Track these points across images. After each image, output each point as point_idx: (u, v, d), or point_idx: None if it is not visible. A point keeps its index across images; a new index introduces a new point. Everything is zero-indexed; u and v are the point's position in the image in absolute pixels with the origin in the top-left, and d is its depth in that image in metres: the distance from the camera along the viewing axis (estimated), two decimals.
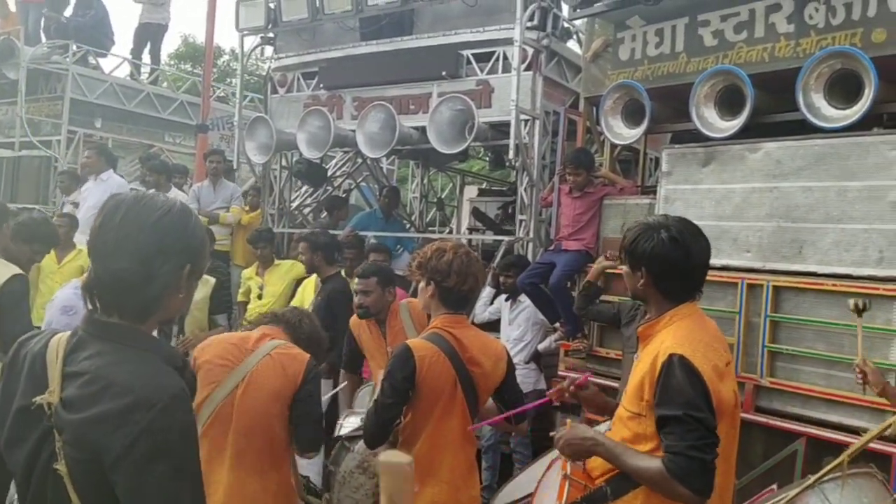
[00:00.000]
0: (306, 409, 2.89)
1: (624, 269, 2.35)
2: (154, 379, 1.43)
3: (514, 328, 5.54)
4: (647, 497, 2.12)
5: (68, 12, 10.65)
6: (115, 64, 11.03)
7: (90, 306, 1.52)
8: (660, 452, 2.08)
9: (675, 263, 2.22)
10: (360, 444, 2.83)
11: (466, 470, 2.84)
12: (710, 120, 4.42)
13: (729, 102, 4.41)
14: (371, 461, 2.83)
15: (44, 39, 10.35)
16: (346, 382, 4.46)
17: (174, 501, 1.40)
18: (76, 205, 7.42)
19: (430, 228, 9.77)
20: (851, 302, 3.18)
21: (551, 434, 2.46)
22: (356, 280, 4.11)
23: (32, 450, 1.47)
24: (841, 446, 3.54)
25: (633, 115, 4.97)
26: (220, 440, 2.83)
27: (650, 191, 5.44)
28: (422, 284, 2.92)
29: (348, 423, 3.43)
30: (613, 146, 5.51)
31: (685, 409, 2.02)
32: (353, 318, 4.16)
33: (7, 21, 10.83)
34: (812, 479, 2.49)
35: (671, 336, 2.16)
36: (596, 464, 2.31)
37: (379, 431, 2.73)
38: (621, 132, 5.04)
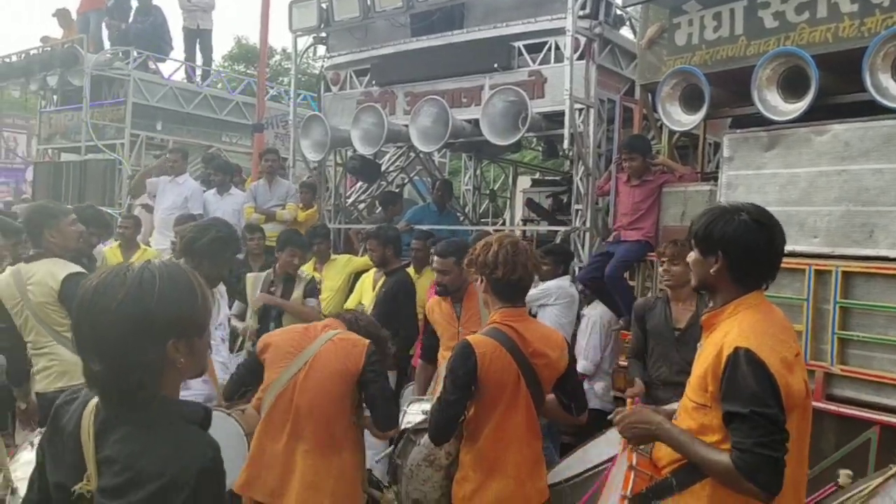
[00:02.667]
0: (376, 389, 3.08)
1: (693, 255, 2.27)
2: (181, 456, 1.42)
3: None
4: (714, 489, 2.09)
5: (128, 19, 11.00)
6: (173, 68, 11.25)
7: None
8: (726, 444, 2.05)
9: (758, 246, 2.15)
10: (426, 438, 2.86)
11: (533, 463, 2.85)
12: (773, 103, 4.32)
13: (792, 85, 4.30)
14: (437, 454, 2.86)
15: (106, 46, 10.71)
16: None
17: None
18: (145, 206, 7.69)
19: (483, 220, 9.78)
20: None
21: (609, 417, 2.44)
22: (434, 260, 4.12)
23: None
24: None
25: (691, 100, 4.88)
26: (281, 420, 3.06)
27: (710, 177, 5.35)
28: (477, 282, 2.94)
29: (412, 411, 3.47)
30: (671, 133, 5.43)
31: (751, 406, 1.98)
32: (430, 303, 4.17)
33: (70, 30, 11.24)
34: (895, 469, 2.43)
35: (737, 327, 2.10)
36: (662, 453, 2.29)
37: (444, 428, 2.76)
38: (680, 118, 4.96)
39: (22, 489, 2.47)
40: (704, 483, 2.11)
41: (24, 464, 2.75)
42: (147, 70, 10.39)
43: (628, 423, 2.26)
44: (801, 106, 4.18)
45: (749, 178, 4.34)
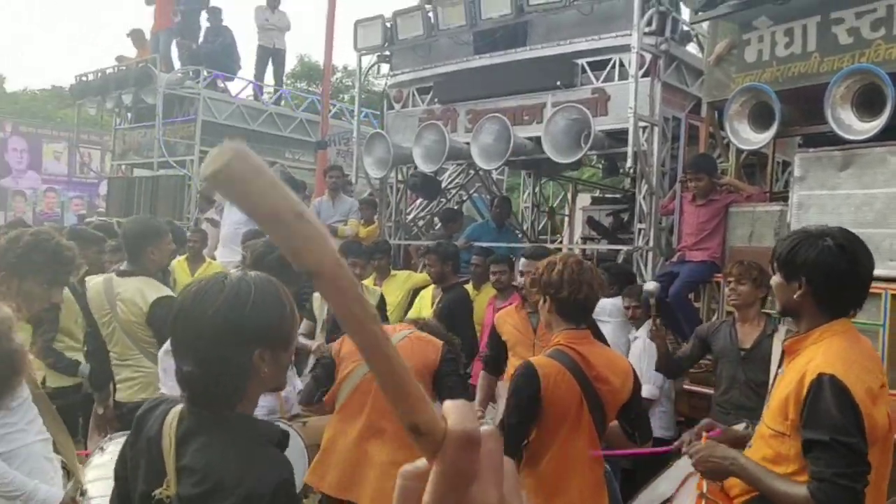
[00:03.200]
0: (454, 381, 3.14)
1: (776, 280, 2.22)
2: (258, 471, 1.46)
3: None
4: None
5: (198, 39, 11.42)
6: (240, 86, 11.62)
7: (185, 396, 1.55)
8: (802, 476, 1.99)
9: (842, 273, 2.09)
10: None
11: (594, 488, 2.79)
12: (847, 122, 4.20)
13: (867, 103, 4.18)
14: None
15: (177, 66, 11.12)
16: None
17: None
18: (211, 221, 7.90)
19: (541, 237, 9.73)
20: None
21: (683, 450, 2.39)
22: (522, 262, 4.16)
23: None
24: None
25: (760, 118, 4.78)
26: (355, 415, 3.12)
27: (779, 197, 5.21)
28: (541, 302, 2.89)
29: None
30: (738, 152, 5.32)
31: (834, 434, 1.92)
32: (501, 313, 4.16)
33: (143, 50, 11.71)
34: None
35: (822, 354, 2.04)
36: (734, 482, 2.24)
37: (507, 451, 2.73)
38: (748, 137, 4.86)
39: (92, 492, 2.56)
40: None
41: (94, 467, 2.83)
42: (216, 89, 10.74)
43: (703, 458, 2.21)
44: (876, 125, 4.05)
45: (822, 198, 4.22)
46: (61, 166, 21.70)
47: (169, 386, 2.97)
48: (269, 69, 11.87)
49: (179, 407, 1.55)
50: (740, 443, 2.41)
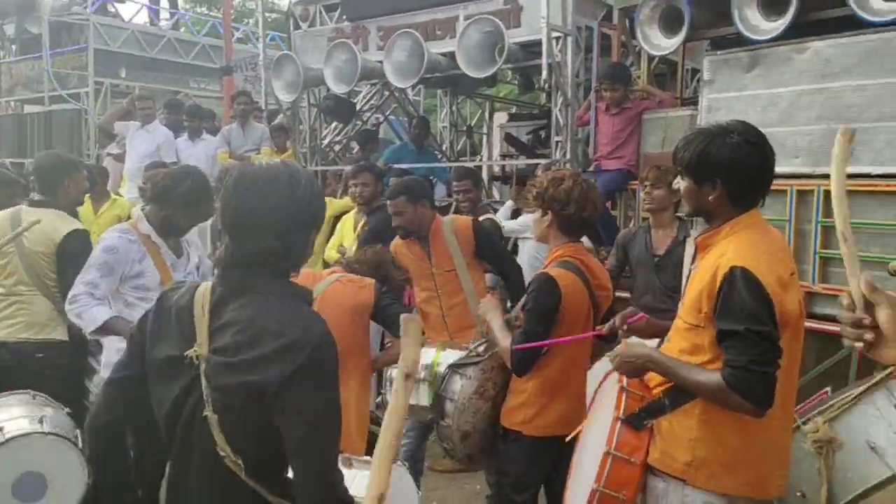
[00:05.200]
0: (395, 309, 3.19)
1: (685, 184, 2.20)
2: (303, 322, 1.58)
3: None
4: (706, 407, 2.12)
5: None
6: (133, 11, 10.88)
7: (223, 269, 1.67)
8: (717, 364, 2.07)
9: (755, 167, 2.11)
10: (474, 370, 2.92)
11: (584, 380, 3.00)
12: (754, 21, 4.24)
13: (772, 2, 4.21)
14: (487, 386, 2.93)
15: None
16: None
17: (325, 431, 1.56)
18: (115, 156, 7.50)
19: (461, 157, 9.68)
20: (892, 266, 3.05)
21: (606, 355, 2.48)
22: (387, 203, 4.08)
23: (179, 396, 1.61)
24: None
25: (670, 23, 4.79)
26: None
27: (690, 102, 5.30)
28: (537, 214, 2.95)
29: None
30: (650, 59, 5.34)
31: (746, 324, 1.99)
32: (394, 242, 4.11)
33: None
34: (880, 376, 2.46)
35: (733, 247, 2.09)
36: (652, 373, 2.32)
37: (531, 360, 2.79)
38: (659, 42, 4.87)
39: None
40: (696, 402, 2.14)
41: None
42: (107, 14, 10.01)
43: (622, 359, 2.28)
44: (781, 23, 4.10)
45: (730, 100, 4.29)
46: None
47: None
48: None
49: (207, 283, 1.68)
50: (662, 331, 2.50)
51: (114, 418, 1.77)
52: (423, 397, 3.07)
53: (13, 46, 10.66)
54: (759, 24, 4.23)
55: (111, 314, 3.02)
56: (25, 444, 2.63)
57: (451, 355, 3.10)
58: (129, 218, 4.67)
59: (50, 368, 3.47)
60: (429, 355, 3.12)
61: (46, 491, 2.61)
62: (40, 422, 2.71)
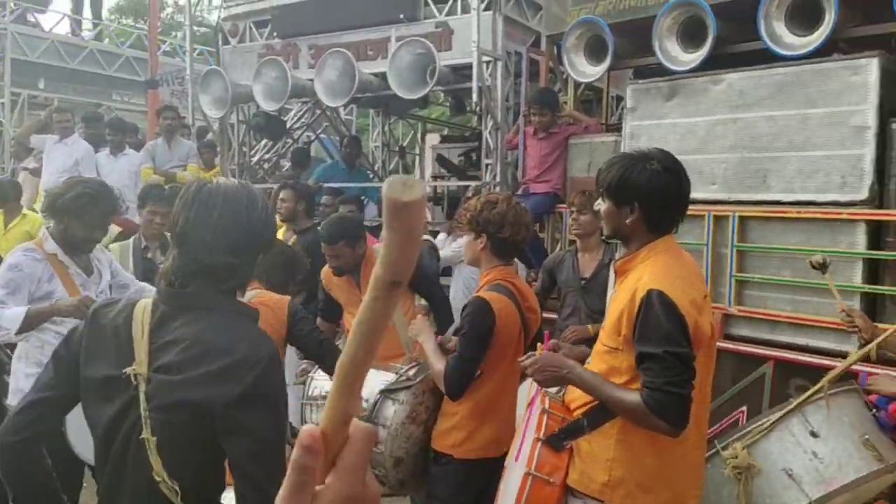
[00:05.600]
0: (311, 340, 3.13)
1: (605, 206, 2.26)
2: (250, 340, 1.57)
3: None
4: (624, 428, 2.16)
5: None
6: (54, 20, 10.52)
7: (167, 285, 1.62)
8: (634, 385, 2.11)
9: (670, 194, 2.18)
10: (406, 395, 2.88)
11: (514, 404, 2.98)
12: (673, 53, 4.40)
13: (691, 34, 4.39)
14: (419, 410, 2.90)
15: None
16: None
17: (273, 454, 1.53)
18: (31, 170, 7.20)
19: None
20: (810, 261, 3.11)
21: (520, 360, 2.48)
22: (323, 247, 3.91)
23: (115, 417, 1.57)
24: (806, 367, 3.68)
25: (596, 51, 4.93)
26: None
27: (615, 128, 5.44)
28: (469, 238, 2.97)
29: (319, 376, 3.39)
30: (577, 85, 5.47)
31: (664, 346, 2.04)
32: (325, 270, 4.09)
33: None
34: (795, 402, 2.55)
35: (649, 271, 2.15)
36: (574, 396, 2.35)
37: (466, 384, 2.79)
38: (584, 69, 5.00)
39: None
40: (614, 422, 2.18)
41: None
42: (26, 23, 9.64)
43: (540, 367, 2.30)
44: (699, 55, 4.28)
45: (651, 128, 4.43)
46: None
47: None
48: (87, 1, 10.79)
49: (146, 300, 1.63)
50: (581, 359, 2.52)
51: (29, 436, 1.68)
52: None
53: None
54: (678, 56, 4.40)
55: (27, 307, 2.91)
56: None
57: (379, 376, 3.06)
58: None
59: None
60: None
61: None
62: None
